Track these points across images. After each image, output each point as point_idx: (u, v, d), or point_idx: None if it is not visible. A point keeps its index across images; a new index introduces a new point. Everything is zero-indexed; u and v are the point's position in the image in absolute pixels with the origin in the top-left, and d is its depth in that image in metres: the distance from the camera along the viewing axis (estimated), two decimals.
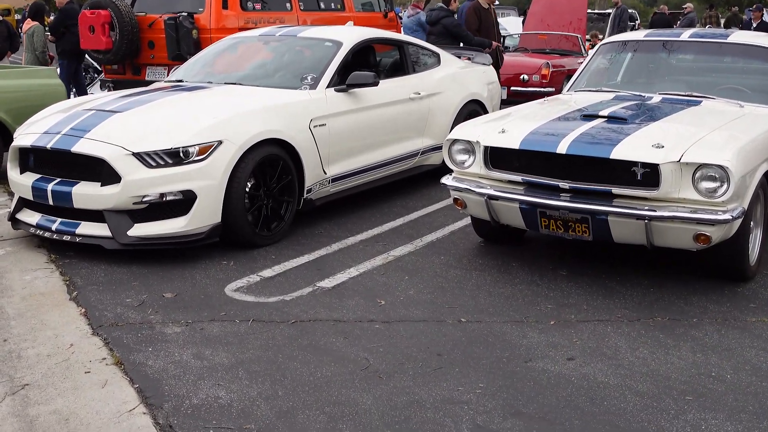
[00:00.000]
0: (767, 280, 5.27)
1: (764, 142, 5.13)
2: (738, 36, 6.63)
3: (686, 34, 6.67)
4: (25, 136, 5.90)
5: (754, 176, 4.93)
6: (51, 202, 5.60)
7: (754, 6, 18.01)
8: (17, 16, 31.75)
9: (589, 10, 23.09)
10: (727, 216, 4.62)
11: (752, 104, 5.77)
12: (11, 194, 6.71)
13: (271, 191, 5.89)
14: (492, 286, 5.18)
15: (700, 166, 4.63)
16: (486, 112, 8.27)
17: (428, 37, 10.77)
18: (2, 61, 13.03)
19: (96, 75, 12.35)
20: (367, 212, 6.89)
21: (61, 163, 5.65)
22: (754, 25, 16.21)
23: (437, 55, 8.21)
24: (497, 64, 11.08)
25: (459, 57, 8.78)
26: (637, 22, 29.38)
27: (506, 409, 3.63)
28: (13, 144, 5.98)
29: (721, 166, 4.57)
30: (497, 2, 13.82)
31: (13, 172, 5.95)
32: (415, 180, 7.89)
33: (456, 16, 10.98)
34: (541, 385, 3.86)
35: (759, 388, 3.84)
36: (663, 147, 4.73)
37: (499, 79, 10.76)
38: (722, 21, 16.90)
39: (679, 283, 5.19)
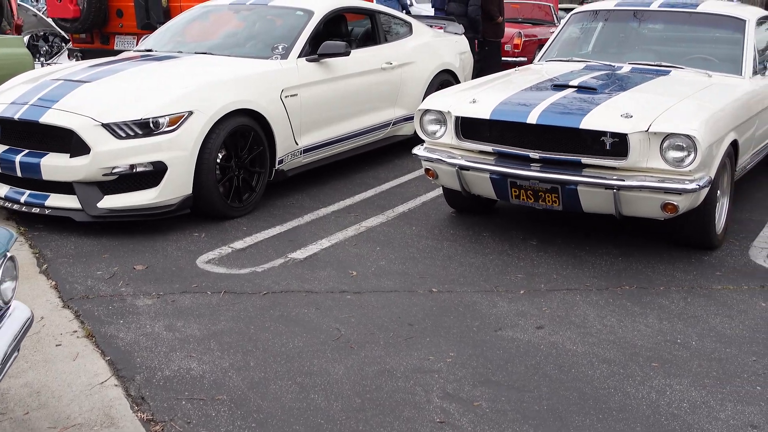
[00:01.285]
0: (733, 249, 5.36)
1: (731, 112, 5.19)
2: (707, 5, 6.66)
3: (656, 4, 6.69)
4: None
5: (721, 146, 4.99)
6: (19, 174, 5.54)
7: None
8: None
9: None
10: (694, 185, 4.68)
11: (720, 74, 5.83)
12: None
13: (242, 162, 5.87)
14: (463, 256, 5.22)
15: (668, 135, 4.67)
16: (458, 81, 8.27)
17: (448, 4, 10.83)
18: None
19: (63, 44, 12.14)
20: (339, 183, 6.89)
21: (30, 134, 5.58)
22: None
23: (409, 25, 8.18)
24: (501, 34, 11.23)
25: (431, 26, 8.76)
26: None
27: (476, 377, 3.68)
28: None
29: (688, 136, 4.62)
30: None
31: None
32: (387, 150, 7.89)
33: None
34: (510, 353, 3.91)
35: (723, 354, 3.92)
36: (631, 117, 4.76)
37: (501, 49, 10.98)
38: None
39: (647, 252, 5.26)
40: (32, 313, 3.08)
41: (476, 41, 10.79)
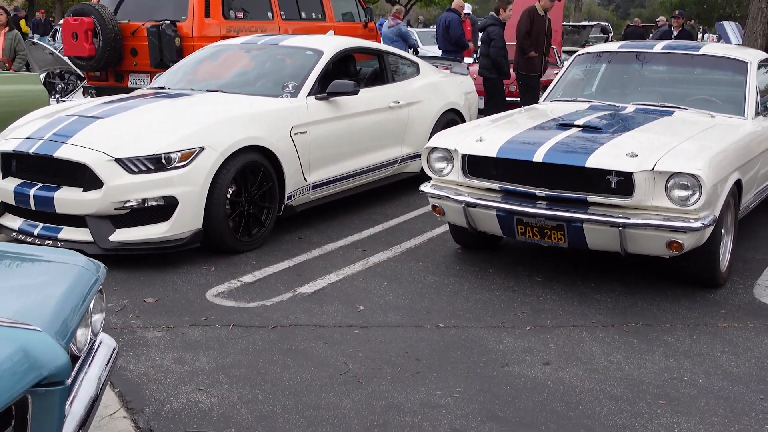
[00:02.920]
0: (737, 287, 5.39)
1: (735, 152, 5.26)
2: (709, 48, 6.77)
3: (659, 46, 6.80)
4: (8, 141, 5.91)
5: (725, 185, 5.05)
6: (33, 207, 5.62)
7: (677, 12, 16.83)
8: None
9: (564, 23, 23.30)
10: (698, 224, 4.73)
11: (723, 115, 5.90)
12: None
13: (252, 197, 5.95)
14: (469, 291, 5.26)
15: (673, 174, 4.73)
16: (464, 121, 8.37)
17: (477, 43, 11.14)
18: None
19: (79, 82, 12.30)
20: (347, 219, 6.95)
21: (44, 168, 5.67)
22: (675, 33, 15.29)
23: (416, 65, 8.30)
24: (542, 71, 11.08)
25: (437, 66, 8.89)
26: (611, 34, 29.59)
27: (483, 413, 3.70)
28: None
29: (693, 175, 4.68)
30: (468, 12, 13.83)
31: None
32: (395, 187, 7.96)
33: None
34: (517, 389, 3.94)
35: (730, 392, 3.94)
36: (636, 156, 4.83)
37: (539, 87, 10.79)
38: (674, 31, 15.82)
39: (652, 290, 5.30)
40: (117, 344, 3.13)
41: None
